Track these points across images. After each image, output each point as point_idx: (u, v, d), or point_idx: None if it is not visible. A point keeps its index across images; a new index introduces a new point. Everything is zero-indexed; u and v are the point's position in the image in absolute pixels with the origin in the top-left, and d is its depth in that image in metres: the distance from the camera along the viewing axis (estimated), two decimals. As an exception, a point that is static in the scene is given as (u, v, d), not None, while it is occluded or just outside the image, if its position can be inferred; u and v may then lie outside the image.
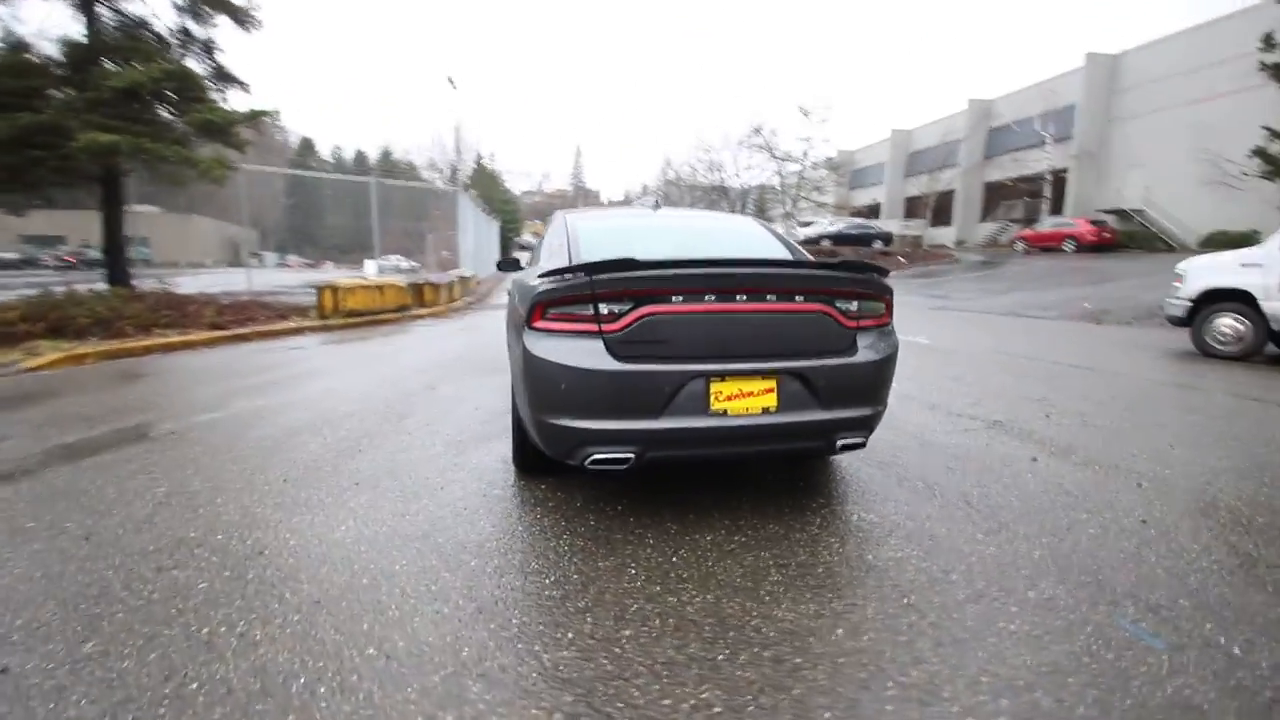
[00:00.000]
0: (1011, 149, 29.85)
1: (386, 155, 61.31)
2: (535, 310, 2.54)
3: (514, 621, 1.98)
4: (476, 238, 19.82)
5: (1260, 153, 11.64)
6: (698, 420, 2.44)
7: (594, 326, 2.46)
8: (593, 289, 2.44)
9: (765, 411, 2.50)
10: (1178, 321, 7.87)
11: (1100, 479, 3.28)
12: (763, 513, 2.81)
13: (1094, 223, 23.94)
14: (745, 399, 2.48)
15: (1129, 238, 23.64)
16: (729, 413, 2.46)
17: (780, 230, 3.81)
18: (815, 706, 1.63)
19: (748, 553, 2.45)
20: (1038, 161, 28.33)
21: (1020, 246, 25.96)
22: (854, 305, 2.67)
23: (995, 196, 31.70)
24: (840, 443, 2.64)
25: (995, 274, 19.74)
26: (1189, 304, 7.66)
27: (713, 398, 2.45)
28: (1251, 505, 2.94)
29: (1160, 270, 17.14)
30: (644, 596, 2.13)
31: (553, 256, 3.15)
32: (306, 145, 57.77)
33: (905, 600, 2.13)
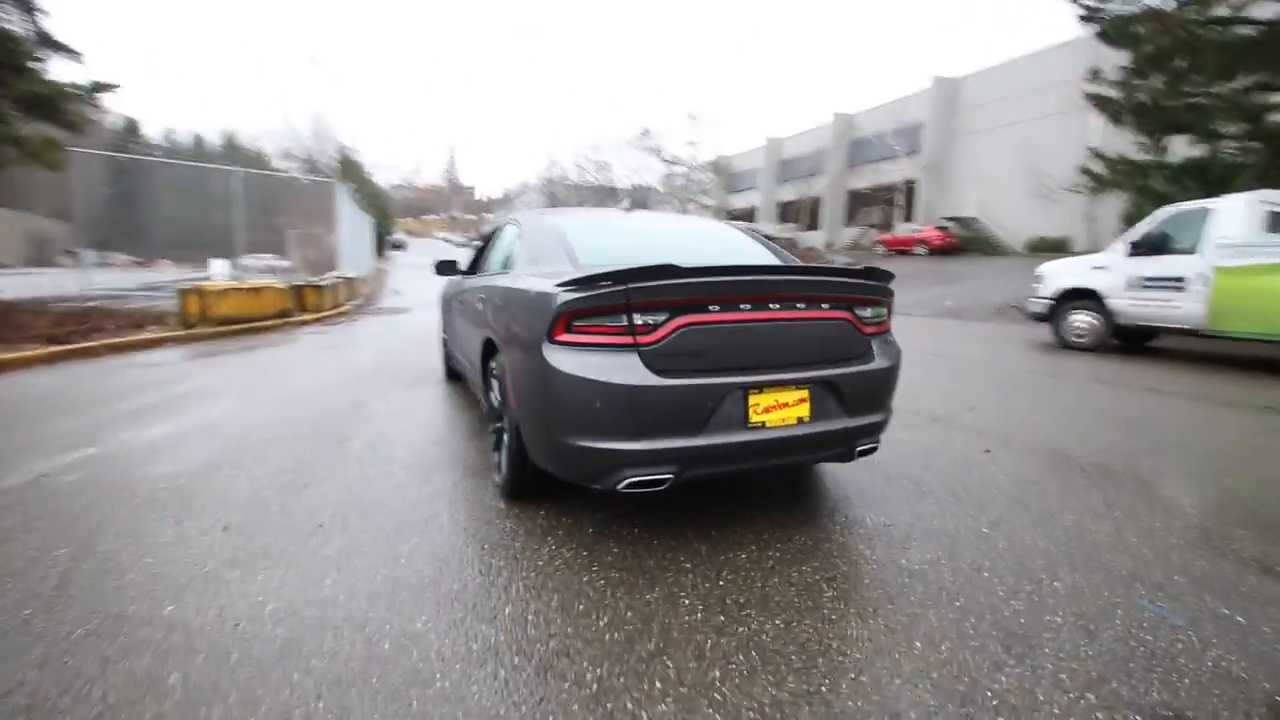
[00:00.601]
0: (871, 160, 32.64)
1: (231, 141, 55.04)
2: (558, 322, 2.30)
3: (589, 677, 1.76)
4: (354, 235, 18.29)
5: (1087, 171, 13.54)
6: (737, 435, 2.34)
7: (628, 339, 2.27)
8: (627, 298, 2.25)
9: (800, 422, 2.45)
10: (1040, 318, 8.95)
11: (1050, 466, 3.60)
12: (779, 523, 2.77)
13: (940, 229, 26.86)
14: (782, 410, 2.41)
15: (968, 242, 26.76)
16: (766, 425, 2.38)
17: (758, 234, 3.80)
18: (940, 730, 1.59)
19: (789, 568, 2.39)
20: (893, 172, 31.24)
21: (880, 249, 28.48)
22: (869, 312, 2.70)
23: (858, 203, 34.53)
24: (859, 449, 2.66)
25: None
26: (1050, 302, 8.74)
27: (751, 410, 2.36)
28: (1184, 481, 3.36)
29: (998, 272, 19.60)
30: (713, 629, 1.99)
31: (544, 260, 2.90)
32: (131, 126, 50.27)
33: (957, 604, 2.17)
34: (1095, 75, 13.07)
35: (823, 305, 2.54)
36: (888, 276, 2.78)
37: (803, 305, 2.49)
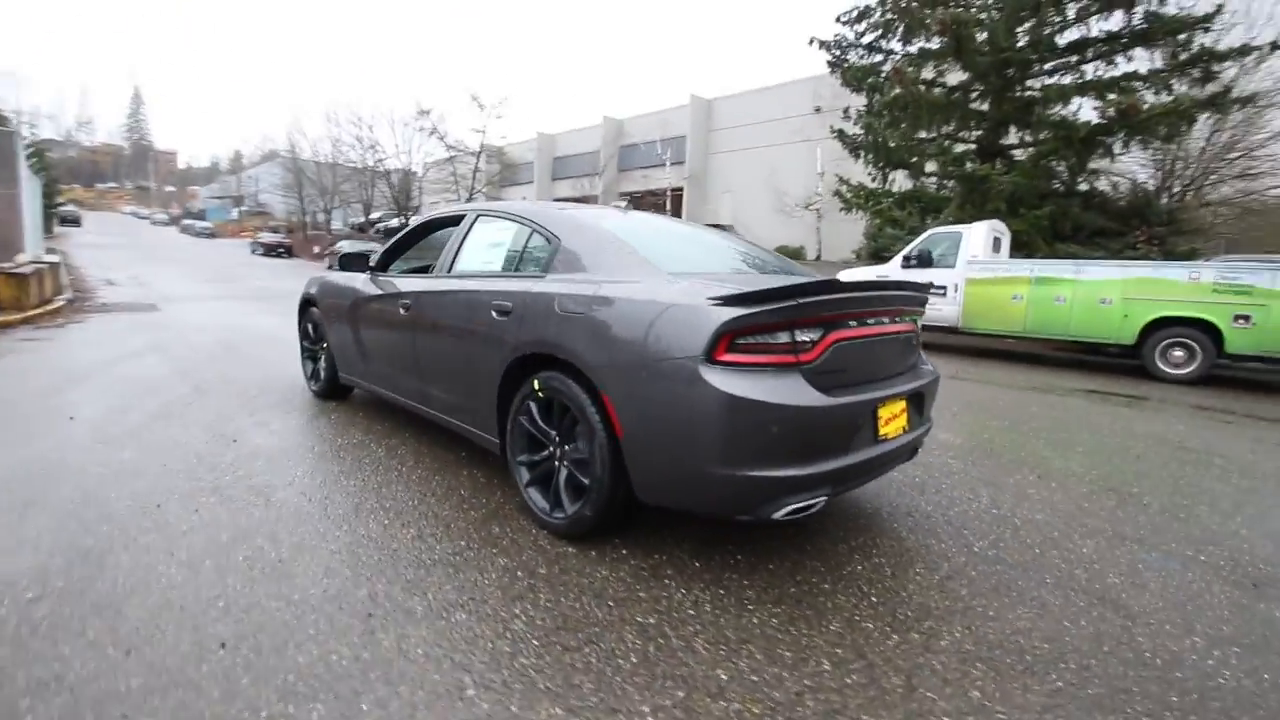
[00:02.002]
0: (642, 166, 34.76)
1: None
2: (720, 341, 2.03)
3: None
4: (32, 206, 13.59)
5: (837, 193, 16.24)
6: (871, 449, 2.32)
7: (790, 358, 2.10)
8: (793, 314, 2.08)
9: (904, 432, 2.53)
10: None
11: (995, 461, 4.28)
12: (816, 542, 2.83)
13: (706, 233, 29.81)
14: (895, 421, 2.46)
15: (727, 247, 30.23)
16: (888, 437, 2.42)
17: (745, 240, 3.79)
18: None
19: (874, 592, 2.46)
20: (661, 179, 33.69)
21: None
22: (919, 322, 2.90)
23: (631, 207, 36.53)
24: (918, 451, 2.85)
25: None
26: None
27: (880, 423, 2.37)
28: (1088, 468, 4.27)
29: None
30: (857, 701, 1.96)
31: (607, 267, 2.53)
32: None
33: (1035, 596, 2.46)
34: (845, 113, 15.75)
35: (908, 318, 2.66)
36: (926, 287, 3.02)
37: (900, 318, 2.57)
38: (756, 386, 2.02)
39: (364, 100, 68.46)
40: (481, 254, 3.21)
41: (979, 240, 9.06)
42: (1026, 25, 13.44)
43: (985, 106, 14.30)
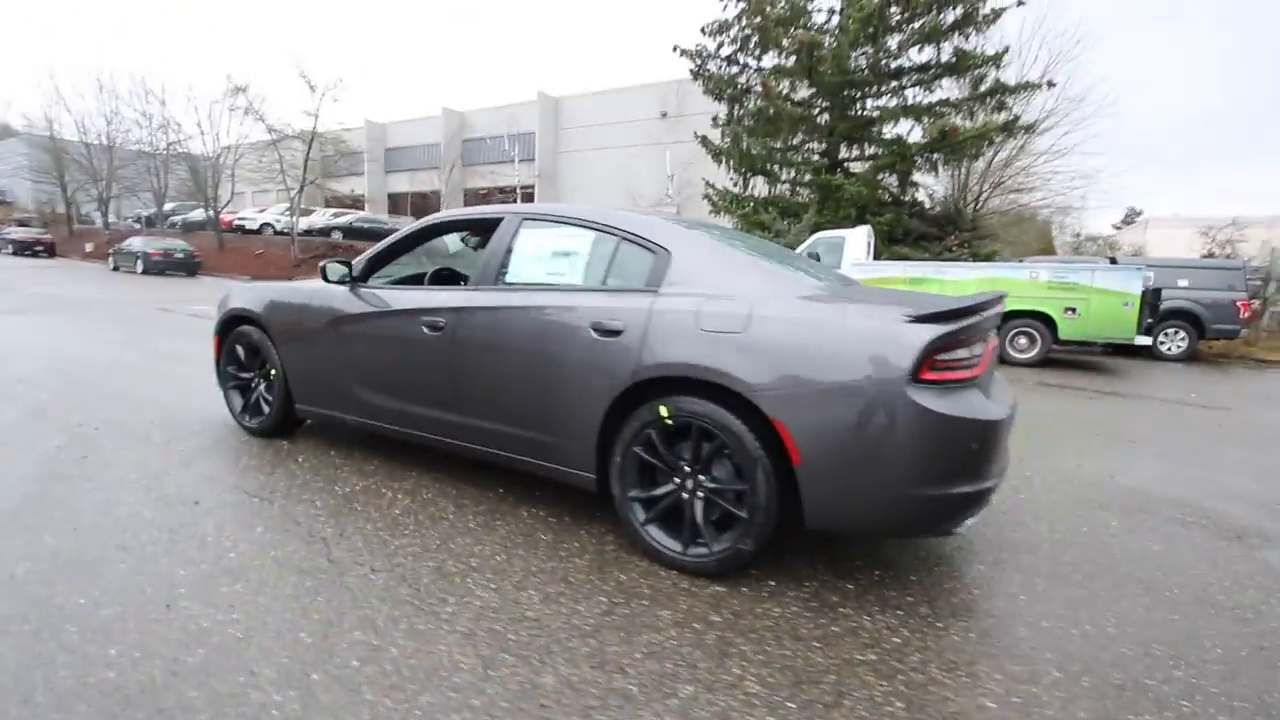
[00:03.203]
0: (489, 162, 33.41)
1: None
2: (925, 360, 1.98)
3: None
4: None
5: (707, 196, 16.96)
6: (1003, 456, 2.43)
7: (968, 373, 2.12)
8: (974, 330, 2.10)
9: None
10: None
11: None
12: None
13: (562, 233, 29.54)
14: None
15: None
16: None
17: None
18: None
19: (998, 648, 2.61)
20: (511, 177, 32.69)
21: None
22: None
23: (478, 202, 34.96)
24: None
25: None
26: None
27: (1001, 429, 2.49)
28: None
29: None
30: None
31: (739, 278, 2.37)
32: None
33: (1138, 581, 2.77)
34: (715, 121, 16.51)
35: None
36: None
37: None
38: (957, 403, 2.02)
39: (154, 69, 57.46)
40: (543, 265, 2.82)
41: (859, 244, 10.00)
42: (863, 51, 15.13)
43: (828, 121, 15.88)
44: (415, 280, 3.69)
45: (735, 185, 16.94)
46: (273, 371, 3.65)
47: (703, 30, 16.54)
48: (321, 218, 25.05)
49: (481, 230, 3.43)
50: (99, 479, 3.07)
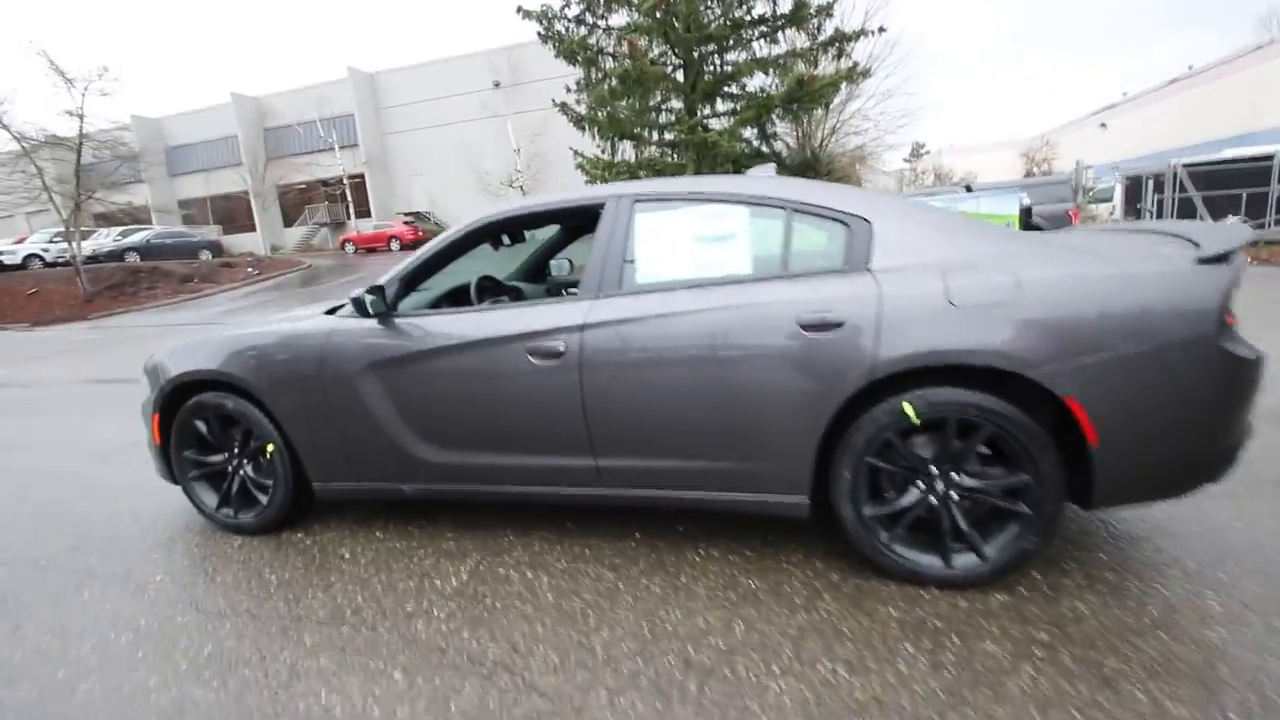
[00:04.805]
0: (303, 152, 29.51)
1: None
2: (1225, 305, 1.81)
3: None
4: None
5: (580, 166, 16.22)
6: None
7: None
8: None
9: None
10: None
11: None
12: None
13: (407, 223, 27.15)
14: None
15: (431, 235, 28.11)
16: None
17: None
18: None
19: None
20: (334, 166, 29.19)
21: (351, 248, 26.74)
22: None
23: (298, 200, 30.85)
24: None
25: (371, 275, 19.90)
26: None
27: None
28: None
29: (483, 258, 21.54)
30: None
31: (948, 239, 2.07)
32: None
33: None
34: (572, 88, 15.77)
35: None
36: None
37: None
38: (1246, 345, 1.88)
39: None
40: (685, 255, 2.26)
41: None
42: (709, 5, 15.17)
43: (685, 78, 15.82)
44: (451, 299, 2.92)
45: (604, 152, 16.43)
46: (268, 448, 2.70)
47: (547, -11, 15.56)
48: (108, 239, 20.55)
49: (565, 222, 2.74)
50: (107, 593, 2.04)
